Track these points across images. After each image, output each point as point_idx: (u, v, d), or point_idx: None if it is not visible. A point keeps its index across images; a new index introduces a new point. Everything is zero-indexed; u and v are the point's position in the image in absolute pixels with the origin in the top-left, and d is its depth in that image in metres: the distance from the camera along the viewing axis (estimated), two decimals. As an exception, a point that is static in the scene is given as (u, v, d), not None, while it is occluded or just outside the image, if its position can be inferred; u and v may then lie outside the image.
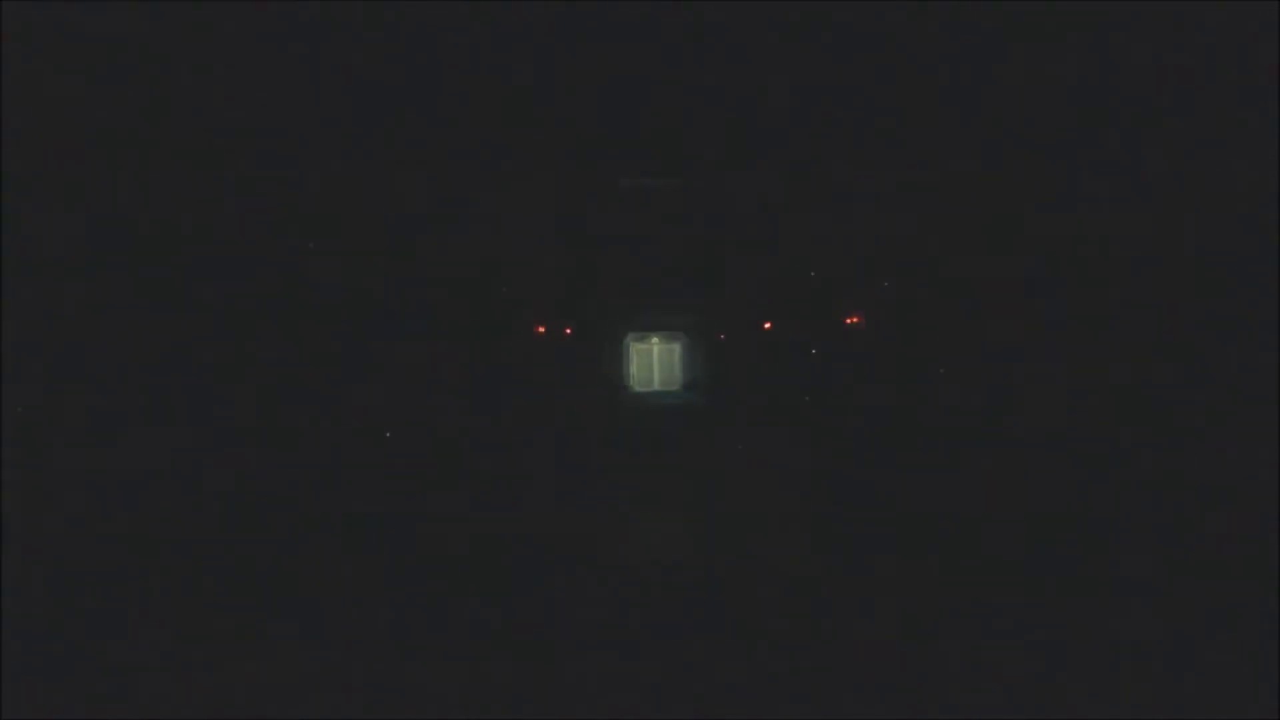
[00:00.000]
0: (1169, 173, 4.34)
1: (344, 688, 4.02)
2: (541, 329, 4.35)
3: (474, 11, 4.49)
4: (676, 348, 3.95)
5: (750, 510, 4.28)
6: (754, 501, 4.28)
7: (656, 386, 4.04)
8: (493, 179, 4.58)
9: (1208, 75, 4.33)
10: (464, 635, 4.25)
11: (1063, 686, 3.89)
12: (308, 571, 4.23)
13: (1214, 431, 4.15)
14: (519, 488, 4.32)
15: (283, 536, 4.24)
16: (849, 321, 4.27)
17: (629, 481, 4.25)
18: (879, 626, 4.14)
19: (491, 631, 4.23)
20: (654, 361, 4.11)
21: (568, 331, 4.29)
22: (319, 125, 4.53)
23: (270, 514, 4.25)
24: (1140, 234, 4.34)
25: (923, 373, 4.36)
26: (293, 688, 4.01)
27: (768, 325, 4.28)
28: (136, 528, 4.20)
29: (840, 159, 4.48)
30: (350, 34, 4.50)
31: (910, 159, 4.47)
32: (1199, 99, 4.35)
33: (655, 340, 4.07)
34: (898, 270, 4.43)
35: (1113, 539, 4.12)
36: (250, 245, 4.45)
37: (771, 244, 4.53)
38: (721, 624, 4.20)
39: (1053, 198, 4.40)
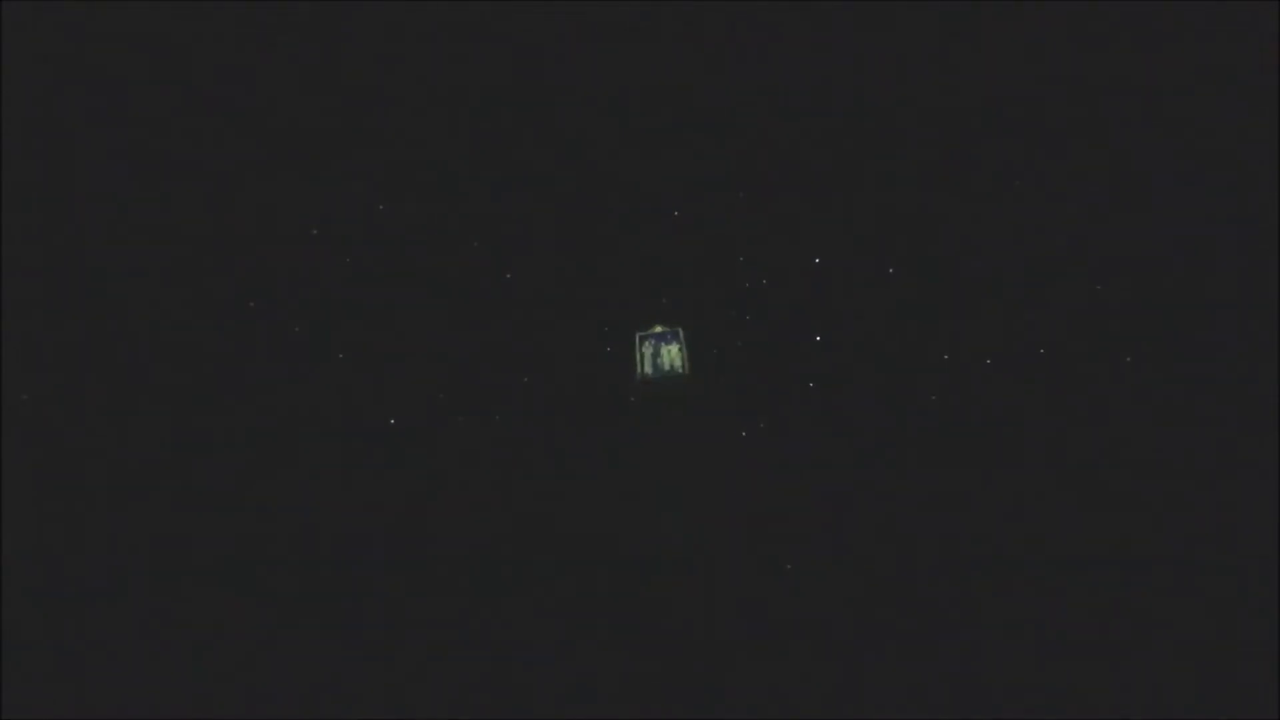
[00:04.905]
0: (1168, 173, 4.34)
1: (343, 687, 4.02)
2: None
3: (477, 10, 4.48)
4: (680, 333, 4.00)
5: (752, 503, 4.27)
6: (755, 494, 4.28)
7: (664, 374, 4.10)
8: (497, 177, 4.56)
9: (1207, 75, 4.33)
10: (465, 634, 4.25)
11: (1060, 685, 3.91)
12: (308, 570, 4.22)
13: (1213, 432, 4.15)
14: (524, 479, 4.30)
15: (284, 534, 4.22)
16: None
17: (636, 470, 4.23)
18: (882, 625, 4.14)
19: (493, 629, 4.24)
20: (659, 352, 4.16)
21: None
22: (318, 123, 4.51)
23: (272, 510, 4.22)
24: (1139, 234, 4.34)
25: (924, 366, 4.35)
26: (292, 688, 4.01)
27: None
28: (137, 526, 4.18)
29: (842, 153, 4.47)
30: (351, 33, 4.49)
31: (911, 155, 4.46)
32: (1198, 99, 4.34)
33: (659, 328, 4.14)
34: (900, 263, 4.42)
35: (1112, 539, 4.12)
36: (251, 238, 4.43)
37: (774, 236, 4.53)
38: (723, 620, 4.21)
39: (1052, 197, 4.39)
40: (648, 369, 4.51)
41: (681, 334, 4.54)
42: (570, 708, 3.94)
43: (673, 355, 4.52)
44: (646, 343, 4.53)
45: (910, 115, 4.48)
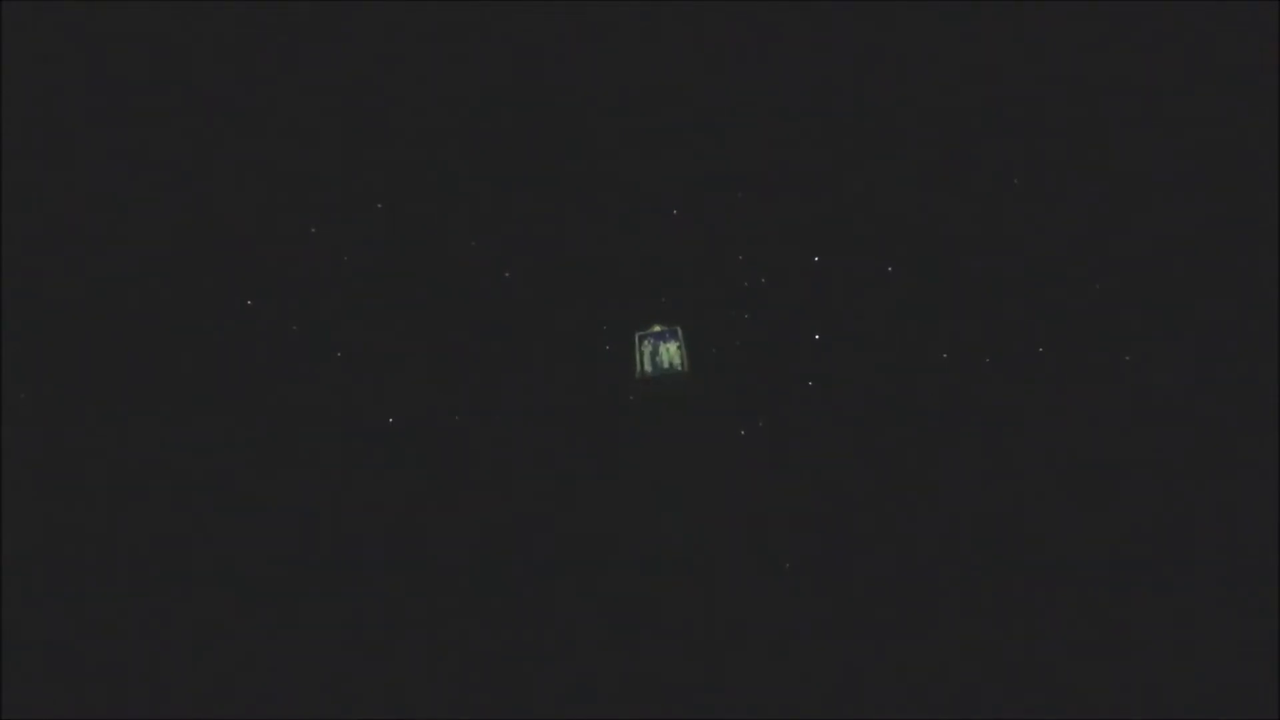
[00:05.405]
0: (1168, 173, 4.34)
1: (343, 687, 4.02)
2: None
3: (477, 10, 4.48)
4: (678, 332, 4.03)
5: (751, 502, 4.27)
6: (754, 493, 4.28)
7: (663, 371, 4.13)
8: (496, 176, 4.56)
9: (1207, 75, 4.32)
10: (465, 634, 4.24)
11: (1060, 685, 3.91)
12: (308, 570, 4.22)
13: (1213, 431, 4.15)
14: (524, 478, 4.30)
15: (284, 534, 4.22)
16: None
17: (635, 469, 4.23)
18: (882, 625, 4.14)
19: (493, 629, 4.23)
20: (658, 350, 4.18)
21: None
22: (317, 122, 4.51)
23: (272, 510, 4.22)
24: (1139, 234, 4.34)
25: (923, 365, 4.35)
26: (292, 688, 4.01)
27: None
28: (137, 526, 4.18)
29: (842, 153, 4.47)
30: (350, 33, 4.49)
31: (911, 155, 4.46)
32: (1198, 99, 4.34)
33: (658, 328, 4.17)
34: (900, 263, 4.42)
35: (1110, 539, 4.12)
36: (249, 237, 4.43)
37: (773, 235, 4.53)
38: (723, 620, 4.20)
39: (1054, 195, 4.40)
40: (647, 367, 4.52)
41: (680, 332, 4.55)
42: (570, 708, 3.94)
43: (671, 353, 4.53)
44: (645, 341, 4.54)
45: (910, 115, 4.48)
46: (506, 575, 4.20)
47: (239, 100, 4.50)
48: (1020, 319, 4.35)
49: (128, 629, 4.06)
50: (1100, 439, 4.19)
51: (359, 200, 4.53)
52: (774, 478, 4.31)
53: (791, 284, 4.51)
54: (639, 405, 4.49)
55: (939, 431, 4.29)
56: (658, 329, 4.55)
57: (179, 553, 4.19)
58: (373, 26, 4.50)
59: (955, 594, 4.07)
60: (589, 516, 4.28)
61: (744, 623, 4.11)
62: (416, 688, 4.00)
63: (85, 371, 4.33)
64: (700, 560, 4.20)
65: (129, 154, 4.45)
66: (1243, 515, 4.01)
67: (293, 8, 4.45)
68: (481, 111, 4.56)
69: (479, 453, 4.38)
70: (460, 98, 4.55)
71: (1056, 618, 3.99)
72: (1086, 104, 4.40)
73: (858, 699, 3.91)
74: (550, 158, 4.58)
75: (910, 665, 3.95)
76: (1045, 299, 4.34)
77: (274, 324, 4.44)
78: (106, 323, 4.36)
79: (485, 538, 4.25)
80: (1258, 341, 4.14)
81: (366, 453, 4.35)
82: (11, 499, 4.13)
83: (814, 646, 4.03)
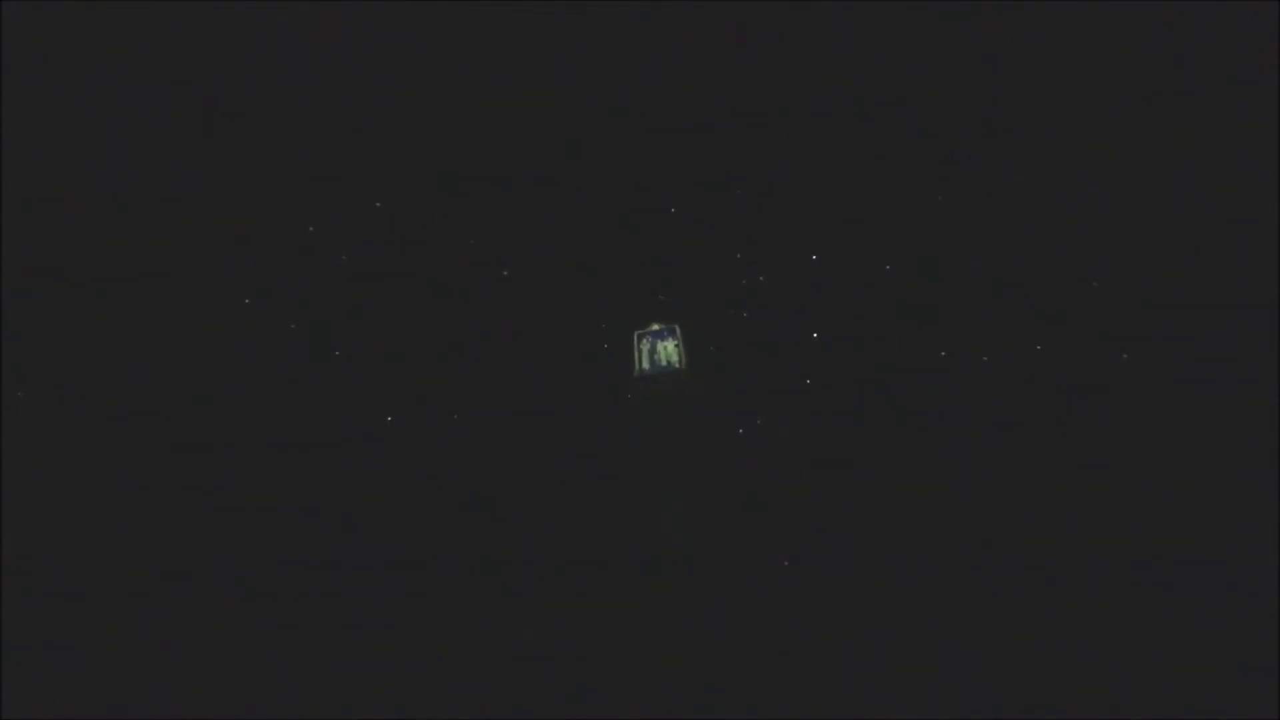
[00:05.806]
0: (1168, 173, 4.34)
1: (343, 687, 4.02)
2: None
3: (477, 10, 4.49)
4: (676, 330, 4.06)
5: (749, 500, 4.27)
6: (752, 490, 4.28)
7: (661, 369, 4.16)
8: (495, 175, 4.57)
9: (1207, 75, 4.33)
10: (465, 633, 4.24)
11: (1061, 685, 3.90)
12: (308, 570, 4.22)
13: (1213, 431, 4.14)
14: (522, 477, 4.30)
15: (283, 534, 4.22)
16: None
17: (634, 468, 4.23)
18: (877, 623, 4.13)
19: (493, 629, 4.23)
20: (655, 349, 4.22)
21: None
22: (317, 121, 4.52)
23: (271, 509, 4.22)
24: (1138, 234, 4.34)
25: (921, 364, 4.35)
26: (292, 688, 4.01)
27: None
28: (137, 524, 4.18)
29: (841, 153, 4.48)
30: (350, 32, 4.50)
31: (911, 155, 4.46)
32: (1198, 99, 4.34)
33: (656, 326, 4.20)
34: (898, 262, 4.42)
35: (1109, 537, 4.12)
36: (248, 235, 4.43)
37: (771, 234, 4.54)
38: (723, 618, 4.20)
39: (1054, 193, 4.40)
40: (645, 365, 4.52)
41: (678, 330, 4.55)
42: (570, 707, 3.94)
43: (669, 351, 4.53)
44: (644, 340, 4.54)
45: (910, 115, 4.48)
46: (506, 575, 4.19)
47: (239, 100, 4.50)
48: (1020, 319, 4.34)
49: (128, 629, 4.07)
50: (1100, 439, 4.19)
51: (359, 200, 4.53)
52: (773, 476, 4.31)
53: (790, 283, 4.51)
54: (638, 404, 4.49)
55: (938, 431, 4.29)
56: (656, 327, 4.55)
57: (179, 553, 4.19)
58: (373, 26, 4.51)
59: (955, 594, 4.06)
60: (588, 515, 4.28)
61: (743, 621, 4.11)
62: (416, 688, 4.00)
63: (85, 371, 4.33)
64: (699, 558, 4.20)
65: (129, 154, 4.46)
66: (1243, 515, 4.00)
67: (294, 7, 4.46)
68: (481, 111, 4.57)
69: (479, 452, 4.38)
70: (460, 98, 4.55)
71: (1056, 618, 3.99)
72: (1086, 104, 4.40)
73: (858, 699, 3.90)
74: (550, 157, 4.59)
75: (910, 665, 3.95)
76: (1044, 299, 4.34)
77: (274, 323, 4.44)
78: (106, 323, 4.37)
79: (485, 537, 4.25)
80: (1258, 341, 4.13)
81: (366, 452, 4.35)
82: (11, 499, 4.13)
83: (813, 646, 4.02)
